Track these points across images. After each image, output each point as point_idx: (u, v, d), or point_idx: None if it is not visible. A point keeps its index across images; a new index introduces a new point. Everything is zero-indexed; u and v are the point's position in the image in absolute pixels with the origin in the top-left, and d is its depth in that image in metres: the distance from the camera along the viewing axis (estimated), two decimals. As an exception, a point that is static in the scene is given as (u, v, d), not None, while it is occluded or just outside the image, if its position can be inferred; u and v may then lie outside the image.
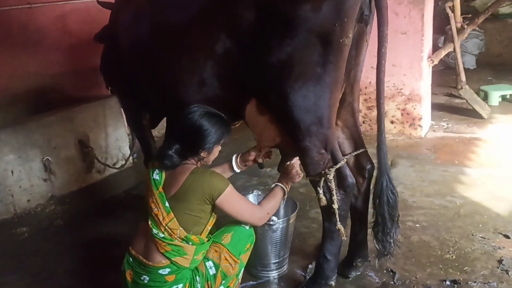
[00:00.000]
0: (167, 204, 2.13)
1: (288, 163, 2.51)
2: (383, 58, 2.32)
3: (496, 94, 5.98)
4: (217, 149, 2.26)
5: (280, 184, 2.42)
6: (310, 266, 2.86)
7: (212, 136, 2.15)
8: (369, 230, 2.68)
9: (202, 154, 2.20)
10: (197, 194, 2.11)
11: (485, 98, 6.00)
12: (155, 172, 2.19)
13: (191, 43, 2.45)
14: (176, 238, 2.13)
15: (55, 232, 3.63)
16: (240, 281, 2.43)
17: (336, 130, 2.55)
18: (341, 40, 2.10)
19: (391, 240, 2.45)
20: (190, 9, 2.47)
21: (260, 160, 2.57)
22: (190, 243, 2.16)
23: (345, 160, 2.42)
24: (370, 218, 2.66)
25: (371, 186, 2.59)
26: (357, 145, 2.62)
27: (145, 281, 2.16)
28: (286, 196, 2.45)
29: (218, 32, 2.31)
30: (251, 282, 2.77)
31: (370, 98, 5.12)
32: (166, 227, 2.12)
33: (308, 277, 2.73)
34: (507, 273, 2.66)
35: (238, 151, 2.64)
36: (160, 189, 2.16)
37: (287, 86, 2.17)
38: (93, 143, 4.40)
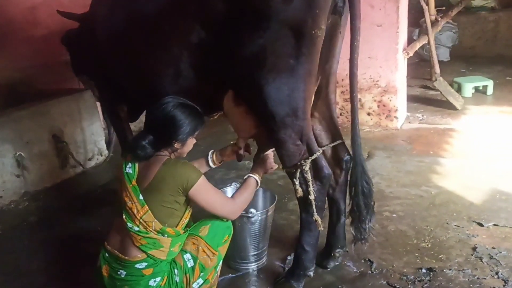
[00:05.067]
0: (141, 197, 2.11)
1: (263, 154, 2.50)
2: (356, 51, 2.33)
3: (469, 86, 6.11)
4: (191, 142, 2.24)
5: (252, 175, 2.41)
6: (289, 257, 2.87)
7: (186, 127, 2.13)
8: (347, 221, 2.71)
9: (175, 145, 2.17)
10: (169, 185, 2.09)
11: (459, 89, 6.12)
12: (128, 166, 2.16)
13: (166, 34, 2.42)
14: (151, 231, 2.11)
15: (28, 229, 3.55)
16: (218, 273, 2.42)
17: (313, 122, 2.56)
18: (313, 32, 2.10)
19: (366, 227, 2.48)
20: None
21: (241, 151, 2.56)
22: (166, 235, 2.14)
23: (321, 151, 2.42)
24: (347, 206, 2.69)
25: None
26: (334, 136, 2.64)
27: (122, 276, 2.13)
28: (258, 186, 2.44)
29: (192, 23, 2.28)
30: (230, 275, 2.77)
31: (347, 90, 5.05)
32: (141, 220, 2.10)
33: (287, 269, 2.74)
34: (481, 260, 2.72)
35: (216, 144, 2.64)
36: (134, 182, 2.13)
37: (261, 78, 2.17)
38: (68, 138, 4.31)
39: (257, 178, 2.41)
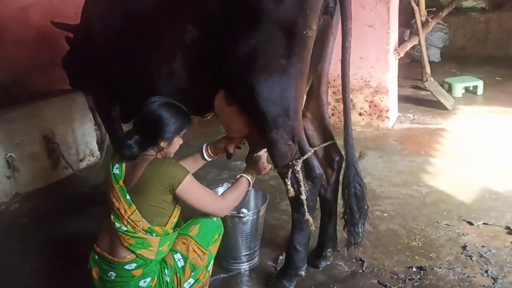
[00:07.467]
0: (128, 197, 2.11)
1: (255, 154, 2.51)
2: (347, 52, 2.33)
3: (459, 86, 6.15)
4: (177, 141, 2.25)
5: (244, 175, 2.42)
6: (280, 257, 2.87)
7: (171, 126, 2.14)
8: (339, 221, 2.72)
9: (161, 145, 2.18)
10: (156, 184, 2.09)
11: (449, 90, 6.16)
12: (115, 167, 2.17)
13: (160, 33, 2.43)
14: (139, 230, 2.11)
15: (20, 231, 3.52)
16: (210, 273, 2.43)
17: (305, 122, 2.58)
18: (304, 32, 2.11)
19: (359, 230, 2.49)
20: None
21: (231, 150, 2.56)
22: (154, 234, 2.14)
23: (312, 151, 2.43)
24: (340, 209, 2.70)
25: (340, 178, 2.62)
26: (326, 137, 2.65)
27: (112, 278, 2.13)
28: (251, 187, 2.45)
29: (186, 23, 2.29)
30: (222, 275, 2.77)
31: (338, 90, 5.16)
32: (128, 220, 2.10)
33: (278, 268, 2.74)
34: (471, 259, 2.74)
35: (209, 144, 2.63)
36: (121, 183, 2.14)
37: (253, 78, 2.17)
38: (59, 139, 4.29)
39: (249, 178, 2.42)
